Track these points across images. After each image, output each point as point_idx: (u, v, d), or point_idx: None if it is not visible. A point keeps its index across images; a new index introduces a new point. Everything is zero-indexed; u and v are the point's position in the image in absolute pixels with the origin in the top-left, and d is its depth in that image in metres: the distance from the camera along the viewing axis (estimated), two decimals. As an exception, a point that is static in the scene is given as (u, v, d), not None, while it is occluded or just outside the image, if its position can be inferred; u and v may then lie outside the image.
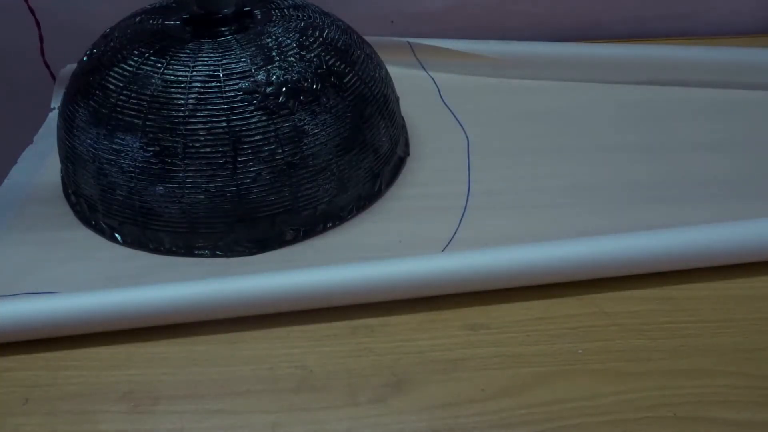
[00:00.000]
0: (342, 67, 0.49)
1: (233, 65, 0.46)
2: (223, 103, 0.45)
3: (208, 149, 0.45)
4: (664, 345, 0.40)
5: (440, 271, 0.42)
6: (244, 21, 0.51)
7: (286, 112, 0.46)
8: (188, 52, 0.47)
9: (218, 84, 0.45)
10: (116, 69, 0.47)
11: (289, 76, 0.46)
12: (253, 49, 0.47)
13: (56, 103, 0.63)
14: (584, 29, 0.74)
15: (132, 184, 0.46)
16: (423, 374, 0.39)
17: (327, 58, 0.49)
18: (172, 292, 0.41)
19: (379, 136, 0.51)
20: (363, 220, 0.50)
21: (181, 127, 0.45)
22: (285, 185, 0.46)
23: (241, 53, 0.47)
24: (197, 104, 0.45)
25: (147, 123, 0.45)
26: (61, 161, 0.52)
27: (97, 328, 0.41)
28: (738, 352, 0.39)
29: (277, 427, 0.37)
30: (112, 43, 0.50)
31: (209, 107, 0.45)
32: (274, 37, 0.48)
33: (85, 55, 0.51)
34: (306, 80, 0.47)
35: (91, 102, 0.48)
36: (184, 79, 0.46)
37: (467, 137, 0.58)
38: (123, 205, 0.47)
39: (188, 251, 0.47)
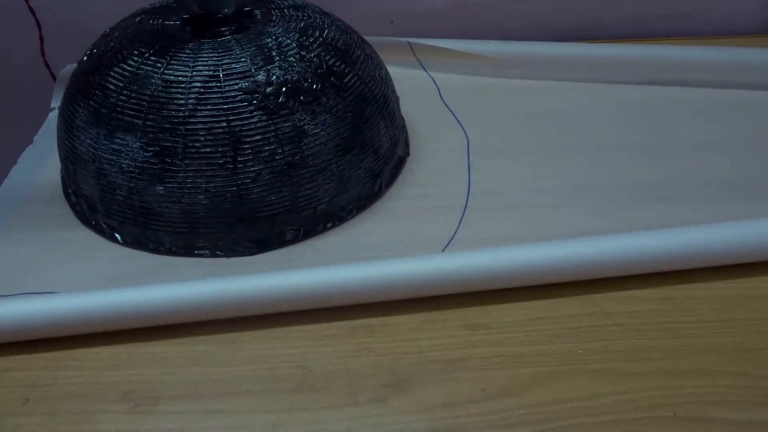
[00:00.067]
0: (342, 67, 0.49)
1: (233, 65, 0.46)
2: (223, 103, 0.45)
3: (208, 149, 0.45)
4: (664, 345, 0.40)
5: (440, 271, 0.42)
6: (244, 21, 0.51)
7: (286, 112, 0.46)
8: (188, 52, 0.47)
9: (218, 84, 0.45)
10: (116, 69, 0.47)
11: (289, 76, 0.47)
12: (253, 49, 0.47)
13: (56, 103, 0.63)
14: (584, 29, 0.74)
15: (132, 184, 0.46)
16: (423, 374, 0.39)
17: (327, 58, 0.49)
18: (172, 292, 0.41)
19: (379, 136, 0.51)
20: (363, 220, 0.50)
21: (181, 127, 0.45)
22: (285, 185, 0.46)
23: (241, 53, 0.47)
24: (197, 104, 0.45)
25: (147, 123, 0.45)
26: (61, 161, 0.52)
27: (97, 328, 0.41)
28: (738, 352, 0.39)
29: (277, 427, 0.37)
30: (112, 43, 0.50)
31: (209, 107, 0.45)
32: (274, 37, 0.48)
33: (85, 55, 0.51)
34: (306, 80, 0.47)
35: (91, 102, 0.48)
36: (184, 79, 0.46)
37: (467, 137, 0.58)
38: (123, 205, 0.47)
39: (188, 251, 0.47)
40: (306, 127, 0.46)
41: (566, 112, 0.61)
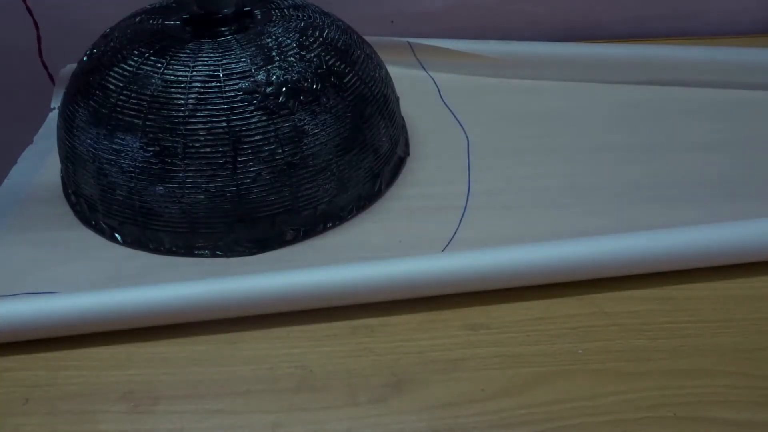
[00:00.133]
0: (342, 67, 0.49)
1: (233, 65, 0.46)
2: (223, 103, 0.45)
3: (208, 149, 0.45)
4: (664, 345, 0.40)
5: (440, 271, 0.42)
6: (244, 21, 0.51)
7: (286, 112, 0.46)
8: (188, 52, 0.47)
9: (218, 84, 0.45)
10: (116, 69, 0.47)
11: (289, 76, 0.47)
12: (253, 49, 0.47)
13: (56, 103, 0.63)
14: (584, 29, 0.74)
15: (132, 184, 0.46)
16: (423, 374, 0.39)
17: (327, 58, 0.49)
18: (172, 292, 0.41)
19: (379, 136, 0.51)
20: (363, 220, 0.50)
21: (181, 127, 0.45)
22: (285, 185, 0.46)
23: (241, 53, 0.47)
24: (197, 104, 0.45)
25: (147, 123, 0.45)
26: (61, 161, 0.52)
27: (97, 328, 0.41)
28: (738, 352, 0.39)
29: (277, 427, 0.37)
30: (112, 43, 0.50)
31: (209, 107, 0.45)
32: (274, 37, 0.48)
33: (85, 55, 0.51)
34: (306, 80, 0.47)
35: (91, 102, 0.48)
36: (184, 79, 0.46)
37: (467, 137, 0.58)
38: (123, 205, 0.47)
39: (188, 251, 0.47)
40: (306, 127, 0.46)
41: (566, 112, 0.61)
